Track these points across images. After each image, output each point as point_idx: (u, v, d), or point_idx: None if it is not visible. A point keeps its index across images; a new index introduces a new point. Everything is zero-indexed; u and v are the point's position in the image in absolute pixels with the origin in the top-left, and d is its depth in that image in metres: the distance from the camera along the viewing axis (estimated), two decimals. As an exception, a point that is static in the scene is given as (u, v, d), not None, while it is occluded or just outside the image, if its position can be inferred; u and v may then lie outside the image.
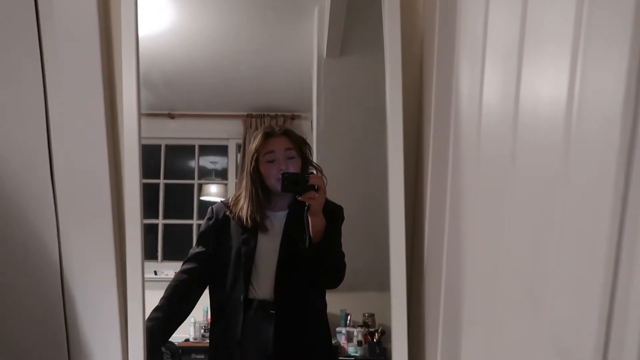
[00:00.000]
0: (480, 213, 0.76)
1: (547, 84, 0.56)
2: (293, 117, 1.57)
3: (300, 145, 1.28)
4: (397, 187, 1.13)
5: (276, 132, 1.28)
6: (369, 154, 1.52)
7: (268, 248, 1.24)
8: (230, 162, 1.70)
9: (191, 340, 1.56)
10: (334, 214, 1.23)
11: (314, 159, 1.38)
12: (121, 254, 1.10)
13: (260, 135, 1.27)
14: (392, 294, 1.14)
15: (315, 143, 1.49)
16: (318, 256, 1.18)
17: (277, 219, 1.26)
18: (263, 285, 1.23)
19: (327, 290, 1.37)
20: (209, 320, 1.42)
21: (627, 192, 0.42)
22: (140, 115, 1.13)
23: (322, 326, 1.32)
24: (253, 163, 1.24)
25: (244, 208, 1.25)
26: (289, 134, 1.28)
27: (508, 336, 0.65)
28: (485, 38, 0.72)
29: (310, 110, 1.56)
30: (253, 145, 1.26)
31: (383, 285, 1.55)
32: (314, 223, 1.15)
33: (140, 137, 1.13)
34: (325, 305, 1.33)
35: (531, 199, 0.60)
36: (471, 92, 0.79)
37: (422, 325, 1.13)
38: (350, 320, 1.59)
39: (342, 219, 1.28)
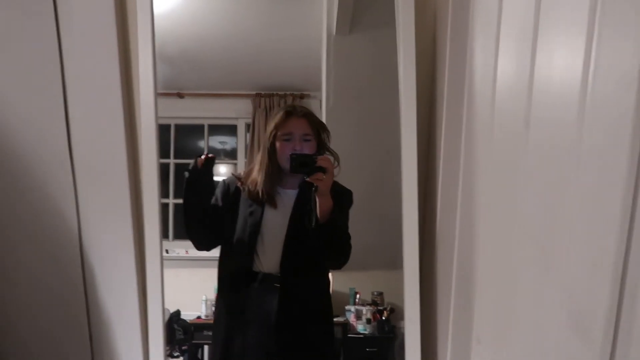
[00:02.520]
0: (493, 178, 0.76)
1: (563, 50, 0.55)
2: (302, 96, 1.57)
3: (319, 130, 1.27)
4: (410, 161, 1.11)
5: (298, 112, 1.27)
6: (379, 132, 1.51)
7: (276, 223, 1.25)
8: (239, 141, 1.70)
9: (203, 317, 1.59)
10: (342, 197, 1.23)
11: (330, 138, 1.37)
12: (139, 226, 1.11)
13: (281, 114, 1.26)
14: (405, 261, 1.13)
15: (325, 121, 1.49)
16: (324, 237, 1.18)
17: (288, 196, 1.26)
18: (269, 259, 1.24)
19: (335, 270, 1.39)
20: (216, 296, 1.44)
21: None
22: (156, 89, 1.13)
23: (324, 303, 1.33)
24: (271, 139, 1.24)
25: (256, 181, 1.25)
26: (309, 118, 1.27)
27: (520, 300, 0.65)
28: (501, 6, 0.71)
29: (319, 89, 1.56)
30: (273, 123, 1.26)
31: (392, 263, 1.55)
32: (321, 204, 1.16)
33: (156, 111, 1.14)
34: (328, 282, 1.34)
35: (545, 163, 0.60)
36: (486, 61, 0.78)
37: (434, 293, 1.13)
38: (359, 299, 1.60)
39: (351, 202, 1.28)
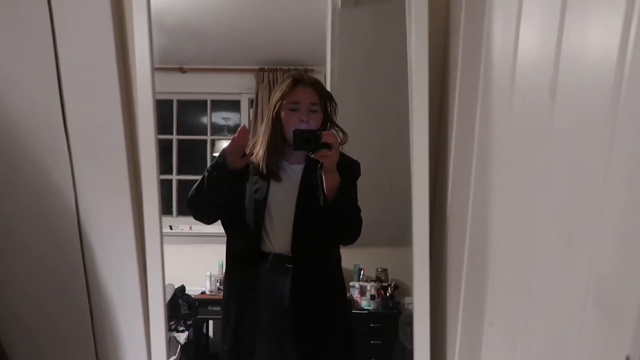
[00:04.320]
0: (512, 151, 0.71)
1: (595, 31, 0.50)
2: (306, 71, 1.51)
3: (326, 101, 1.21)
4: (421, 134, 1.06)
5: (305, 80, 1.21)
6: (384, 107, 1.47)
7: (283, 199, 1.19)
8: (242, 117, 1.67)
9: (207, 292, 1.57)
10: (349, 169, 1.18)
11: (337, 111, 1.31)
12: (138, 203, 1.07)
13: (288, 82, 1.19)
14: (415, 240, 1.09)
15: (331, 97, 1.47)
16: (333, 214, 1.14)
17: (294, 172, 1.21)
18: (279, 239, 1.19)
19: (347, 246, 1.35)
20: (224, 273, 1.41)
21: None
22: (152, 63, 1.08)
23: (337, 279, 1.30)
24: (276, 108, 1.18)
25: (259, 154, 1.20)
26: (317, 87, 1.20)
27: (541, 283, 0.61)
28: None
29: (323, 64, 1.51)
30: (279, 92, 1.19)
31: (397, 240, 1.54)
32: (328, 181, 1.11)
33: (153, 86, 1.08)
34: (340, 257, 1.30)
35: (573, 139, 0.55)
36: (505, 37, 0.72)
37: (444, 273, 1.09)
38: (363, 275, 1.59)
39: (358, 174, 1.23)
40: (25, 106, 0.99)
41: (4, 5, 0.97)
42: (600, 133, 0.48)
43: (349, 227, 1.21)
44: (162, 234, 1.08)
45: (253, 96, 1.56)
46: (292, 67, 1.55)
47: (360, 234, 1.22)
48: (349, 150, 1.25)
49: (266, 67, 1.54)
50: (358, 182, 1.26)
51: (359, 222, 1.21)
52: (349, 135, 1.25)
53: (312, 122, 1.17)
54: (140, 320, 1.05)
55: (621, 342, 0.43)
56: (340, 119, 1.30)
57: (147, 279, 1.02)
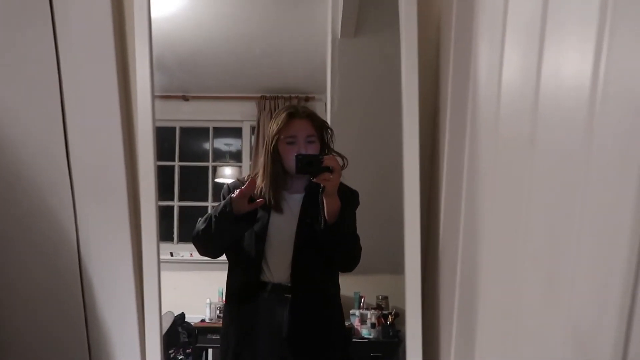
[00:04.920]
0: (497, 196, 0.74)
1: (570, 66, 0.54)
2: (307, 99, 1.55)
3: (322, 130, 1.26)
4: (412, 169, 1.11)
5: (300, 113, 1.25)
6: (384, 135, 1.50)
7: (282, 229, 1.23)
8: (244, 143, 1.70)
9: (207, 320, 1.59)
10: (348, 198, 1.22)
11: (333, 137, 1.36)
12: (137, 233, 1.11)
13: (283, 116, 1.24)
14: (407, 276, 1.13)
15: (330, 124, 1.49)
16: (333, 237, 1.18)
17: (294, 201, 1.24)
18: (278, 268, 1.22)
19: (340, 274, 1.37)
20: (224, 302, 1.43)
21: None
22: (153, 96, 1.13)
23: (336, 310, 1.32)
24: (273, 143, 1.23)
25: (261, 187, 1.23)
26: (312, 118, 1.25)
27: (525, 323, 0.63)
28: (506, 16, 0.69)
29: (324, 91, 1.55)
30: (275, 126, 1.24)
31: (397, 268, 1.55)
32: (329, 204, 1.15)
33: (154, 116, 1.12)
34: (339, 288, 1.32)
35: (551, 183, 0.58)
36: (490, 72, 0.76)
37: (436, 309, 1.12)
38: (363, 303, 1.60)
39: (357, 203, 1.26)
40: (29, 137, 1.04)
41: (10, 40, 1.03)
42: (574, 180, 0.51)
43: (348, 253, 1.24)
44: (159, 266, 1.11)
45: (255, 123, 1.60)
46: (293, 95, 1.59)
47: (359, 260, 1.25)
48: (349, 176, 1.28)
49: (267, 95, 1.57)
50: (359, 210, 1.30)
51: (358, 248, 1.24)
52: (350, 162, 1.28)
53: (311, 152, 1.22)
54: (137, 352, 1.07)
55: None
56: (340, 146, 1.34)
57: (144, 311, 1.04)
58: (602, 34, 0.47)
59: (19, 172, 1.03)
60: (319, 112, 1.49)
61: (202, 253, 1.30)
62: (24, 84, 1.05)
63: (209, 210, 1.58)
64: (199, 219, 1.28)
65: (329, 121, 1.47)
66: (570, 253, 0.52)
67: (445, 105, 1.04)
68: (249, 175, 1.32)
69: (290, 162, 1.19)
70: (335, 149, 1.30)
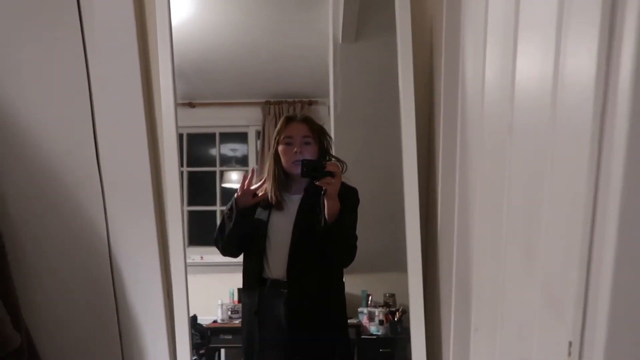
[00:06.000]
0: (484, 181, 0.87)
1: (536, 64, 0.65)
2: (310, 103, 1.65)
3: (319, 133, 1.41)
4: (410, 163, 1.23)
5: (297, 118, 1.43)
6: (386, 136, 1.58)
7: (281, 228, 1.37)
8: (250, 148, 1.79)
9: (219, 321, 1.68)
10: (348, 196, 1.36)
11: (332, 143, 1.48)
12: (162, 232, 1.24)
13: (282, 120, 1.43)
14: (409, 266, 1.25)
15: (333, 127, 1.58)
16: (332, 236, 1.32)
17: (292, 201, 1.39)
18: (276, 265, 1.37)
19: (347, 272, 1.48)
20: (235, 302, 1.55)
21: (600, 162, 0.52)
22: (176, 103, 1.26)
23: (335, 302, 1.45)
24: (275, 145, 1.40)
25: (267, 187, 1.39)
26: (308, 122, 1.42)
27: (509, 291, 0.76)
28: (486, 23, 0.81)
29: (327, 95, 1.65)
30: (276, 130, 1.41)
31: (403, 266, 1.63)
32: (330, 206, 1.29)
33: (177, 123, 1.26)
34: (340, 283, 1.46)
35: (525, 166, 0.70)
36: (475, 71, 0.88)
37: (437, 290, 1.23)
38: (371, 301, 1.68)
39: (357, 200, 1.40)
40: (62, 144, 1.18)
41: (45, 55, 1.15)
42: (542, 162, 0.62)
43: (345, 250, 1.38)
44: (185, 258, 1.25)
45: (260, 128, 1.69)
46: (297, 100, 1.67)
47: (354, 257, 1.39)
48: (354, 176, 1.40)
49: (272, 100, 1.66)
50: (362, 209, 1.41)
51: (354, 245, 1.38)
52: (354, 163, 1.41)
53: (307, 153, 1.37)
54: (165, 341, 1.19)
55: (566, 332, 0.57)
56: (344, 148, 1.46)
57: (172, 300, 1.17)
58: (559, 39, 0.59)
59: (53, 178, 1.15)
60: (323, 116, 1.60)
61: (222, 252, 1.44)
62: (57, 90, 1.18)
63: (218, 214, 1.69)
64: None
65: (332, 124, 1.59)
66: (542, 229, 0.64)
67: (439, 103, 1.16)
68: (257, 178, 1.45)
69: (289, 163, 1.36)
70: (339, 150, 1.43)
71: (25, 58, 1.14)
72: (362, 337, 1.62)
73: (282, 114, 1.68)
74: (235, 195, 1.39)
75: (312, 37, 1.69)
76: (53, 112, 1.16)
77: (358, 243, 1.42)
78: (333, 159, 1.39)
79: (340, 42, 1.59)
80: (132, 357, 1.22)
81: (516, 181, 0.72)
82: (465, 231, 0.97)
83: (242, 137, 1.81)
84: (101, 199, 1.16)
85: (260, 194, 1.39)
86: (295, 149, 1.36)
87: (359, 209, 1.42)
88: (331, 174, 1.28)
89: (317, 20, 1.65)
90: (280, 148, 1.39)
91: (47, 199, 1.17)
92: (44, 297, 1.18)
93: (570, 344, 0.55)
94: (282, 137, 1.39)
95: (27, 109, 1.15)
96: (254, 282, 1.39)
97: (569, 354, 0.55)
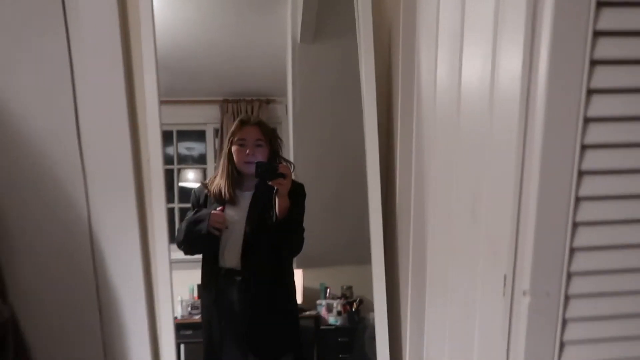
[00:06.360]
0: (437, 160, 1.04)
1: (478, 65, 0.83)
2: (268, 102, 1.74)
3: (270, 136, 1.57)
4: (373, 159, 1.38)
5: (250, 121, 1.58)
6: (345, 134, 1.70)
7: (236, 221, 1.53)
8: (208, 147, 1.87)
9: (179, 317, 1.76)
10: (297, 192, 1.53)
11: (291, 142, 1.64)
12: (142, 216, 1.36)
13: (237, 123, 1.57)
14: (371, 231, 1.42)
15: (292, 126, 1.69)
16: (282, 230, 1.50)
17: (244, 197, 1.55)
18: (231, 255, 1.52)
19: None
20: (195, 298, 1.65)
21: (525, 141, 0.70)
22: (160, 97, 1.38)
23: (285, 290, 1.62)
24: (229, 145, 1.55)
25: (220, 184, 1.54)
26: (260, 125, 1.57)
27: (459, 249, 0.93)
28: (438, 29, 0.99)
29: (285, 94, 1.74)
30: (230, 131, 1.56)
31: (360, 259, 1.75)
32: (280, 203, 1.47)
33: (160, 114, 1.40)
34: (289, 271, 1.62)
35: (469, 145, 0.87)
36: (428, 70, 1.06)
37: (396, 254, 1.41)
38: (329, 293, 1.80)
39: (304, 195, 1.57)
40: (46, 133, 1.25)
41: (27, 48, 1.22)
42: (482, 142, 0.80)
43: (294, 241, 1.55)
44: (168, 235, 1.35)
45: (218, 126, 1.75)
46: (254, 98, 1.73)
47: (302, 247, 1.55)
48: (312, 174, 1.54)
49: (230, 99, 1.74)
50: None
51: (302, 237, 1.55)
52: (313, 161, 1.60)
53: (258, 155, 1.53)
54: (144, 313, 1.31)
55: (502, 268, 0.73)
56: (302, 145, 1.59)
57: (151, 276, 1.30)
58: (495, 44, 0.76)
59: (36, 166, 1.23)
60: (280, 114, 1.71)
61: (186, 253, 1.56)
62: (40, 83, 1.24)
63: (176, 213, 1.77)
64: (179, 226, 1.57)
65: (290, 123, 1.71)
66: (484, 193, 0.81)
67: (397, 99, 1.32)
68: (212, 177, 1.59)
69: (241, 163, 1.52)
70: (298, 148, 1.58)
71: (9, 50, 1.21)
72: (321, 327, 1.74)
73: (240, 112, 1.77)
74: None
75: (271, 37, 1.76)
76: (37, 99, 1.23)
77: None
78: (283, 160, 1.56)
79: (299, 42, 1.69)
80: (112, 333, 1.30)
81: (463, 157, 0.90)
82: (421, 203, 1.14)
83: (200, 135, 1.86)
84: (82, 183, 1.24)
85: (212, 190, 1.54)
86: (247, 151, 1.52)
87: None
88: (283, 176, 1.45)
89: (276, 21, 1.74)
90: (233, 148, 1.53)
91: (31, 183, 1.24)
92: (25, 276, 1.24)
93: (505, 277, 0.72)
94: (235, 139, 1.53)
95: (14, 98, 1.22)
96: (211, 273, 1.53)
97: (504, 284, 0.72)
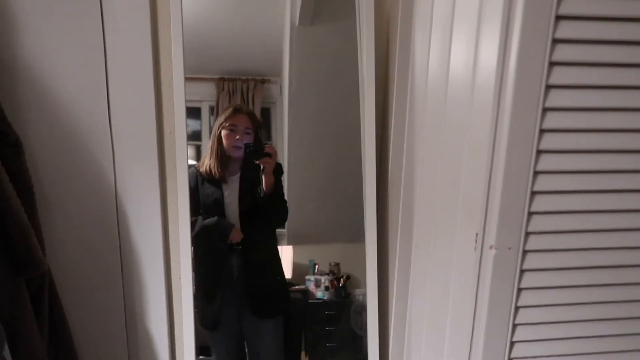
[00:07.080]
0: (426, 139, 1.29)
1: (463, 53, 1.07)
2: (263, 81, 1.89)
3: (257, 126, 1.84)
4: (370, 142, 1.62)
5: (243, 110, 1.84)
6: (338, 116, 1.87)
7: (230, 200, 1.82)
8: (203, 124, 1.95)
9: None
10: (278, 170, 1.83)
11: (285, 122, 1.87)
12: (163, 180, 1.61)
13: (230, 110, 1.83)
14: (366, 201, 1.66)
15: (287, 106, 1.85)
16: (269, 203, 1.80)
17: (232, 180, 1.83)
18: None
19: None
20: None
21: (497, 119, 0.95)
22: (185, 73, 1.58)
23: (274, 257, 1.91)
24: (219, 129, 1.80)
25: (210, 164, 1.81)
26: (251, 115, 1.84)
27: (441, 215, 1.19)
28: (432, 20, 1.23)
29: (279, 75, 1.88)
30: (223, 116, 1.81)
31: (348, 237, 1.92)
32: (267, 179, 1.77)
33: (184, 85, 1.59)
34: (275, 240, 1.90)
35: (453, 125, 1.12)
36: (422, 56, 1.29)
37: (386, 221, 1.63)
38: (317, 269, 1.99)
39: (282, 172, 1.85)
40: (79, 107, 1.48)
41: (67, 25, 1.45)
42: (464, 121, 1.05)
43: (280, 212, 1.85)
44: (188, 194, 1.61)
45: (214, 104, 1.87)
46: (250, 78, 1.87)
47: (286, 218, 1.85)
48: (304, 154, 1.78)
49: (226, 77, 1.85)
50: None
51: (286, 208, 1.85)
52: (306, 141, 1.84)
53: (246, 141, 1.79)
54: (162, 272, 1.59)
55: (473, 227, 0.99)
56: (296, 126, 1.79)
57: (170, 236, 1.60)
58: (478, 35, 1.00)
59: (69, 125, 1.46)
60: (275, 94, 1.86)
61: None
62: (76, 60, 1.46)
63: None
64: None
65: (286, 103, 1.86)
66: (463, 166, 1.06)
67: (393, 81, 1.54)
68: (201, 160, 1.83)
69: (229, 147, 1.79)
70: (293, 128, 1.82)
71: (49, 27, 1.42)
72: (310, 301, 1.93)
73: (236, 91, 1.88)
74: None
75: (269, 17, 1.83)
76: (73, 75, 1.45)
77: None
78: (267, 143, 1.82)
79: (297, 25, 1.76)
80: (132, 290, 1.56)
81: (448, 135, 1.15)
82: (411, 178, 1.39)
83: (195, 112, 1.91)
84: (111, 153, 1.48)
85: (204, 171, 1.80)
86: (237, 136, 1.78)
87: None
88: (269, 155, 1.75)
89: (275, 2, 1.80)
90: (224, 133, 1.79)
91: (66, 152, 1.47)
92: (59, 234, 1.47)
93: (476, 234, 0.98)
94: (227, 124, 1.79)
95: (52, 72, 1.44)
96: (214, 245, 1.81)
97: (476, 240, 0.98)
